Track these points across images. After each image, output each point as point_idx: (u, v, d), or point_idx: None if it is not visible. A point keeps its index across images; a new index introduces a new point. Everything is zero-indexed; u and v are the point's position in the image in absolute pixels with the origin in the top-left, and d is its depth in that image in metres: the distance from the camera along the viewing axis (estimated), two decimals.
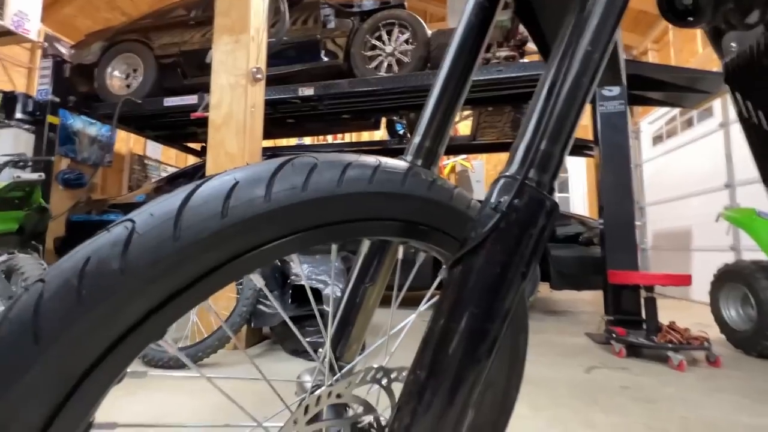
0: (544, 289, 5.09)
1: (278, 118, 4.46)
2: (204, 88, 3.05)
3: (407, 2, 4.02)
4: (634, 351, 2.35)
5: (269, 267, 2.36)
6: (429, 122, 0.57)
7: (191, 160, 6.78)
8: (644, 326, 2.37)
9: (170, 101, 4.14)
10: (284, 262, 2.44)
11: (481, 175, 7.18)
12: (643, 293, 2.41)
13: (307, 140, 7.84)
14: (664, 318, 2.34)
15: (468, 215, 0.50)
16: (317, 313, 0.52)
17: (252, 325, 2.24)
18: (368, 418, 0.48)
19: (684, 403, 1.62)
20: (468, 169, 7.09)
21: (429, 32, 3.81)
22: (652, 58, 6.23)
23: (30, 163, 2.97)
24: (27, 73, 5.33)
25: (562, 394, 1.69)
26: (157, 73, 4.30)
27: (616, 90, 2.93)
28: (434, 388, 0.38)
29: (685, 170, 5.09)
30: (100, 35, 4.68)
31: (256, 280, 0.41)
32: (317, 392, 0.46)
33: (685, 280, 2.26)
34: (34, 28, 4.23)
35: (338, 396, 0.47)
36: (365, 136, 7.77)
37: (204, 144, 5.62)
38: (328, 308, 0.62)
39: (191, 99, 4.02)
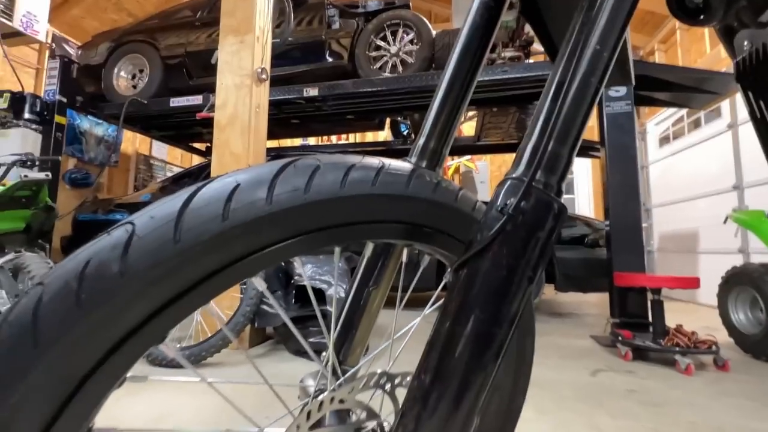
0: (549, 291, 5.06)
1: (283, 119, 4.47)
2: (209, 89, 3.06)
3: (412, 3, 4.02)
4: (640, 354, 2.33)
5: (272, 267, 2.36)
6: (434, 123, 0.57)
7: (196, 160, 6.81)
8: (651, 329, 2.35)
9: (176, 101, 4.16)
10: (288, 261, 2.44)
11: (485, 176, 7.16)
12: (649, 296, 2.38)
13: (312, 141, 7.85)
14: (670, 321, 2.32)
15: (473, 217, 0.49)
16: (319, 316, 0.51)
17: (255, 325, 2.24)
18: (371, 424, 0.48)
19: (691, 407, 1.60)
20: (472, 170, 7.06)
21: (434, 33, 3.79)
22: (659, 58, 6.18)
23: (37, 163, 2.99)
24: (35, 74, 5.37)
25: (567, 397, 1.67)
26: (163, 74, 4.33)
27: (622, 90, 2.91)
28: (439, 393, 0.37)
29: (693, 172, 5.04)
30: (107, 36, 4.71)
31: (258, 283, 0.40)
32: (320, 397, 0.45)
33: (693, 283, 2.24)
34: (42, 29, 4.27)
35: (341, 401, 0.46)
36: (369, 136, 7.78)
37: (209, 144, 5.65)
38: (332, 309, 0.61)
39: (197, 99, 4.04)
